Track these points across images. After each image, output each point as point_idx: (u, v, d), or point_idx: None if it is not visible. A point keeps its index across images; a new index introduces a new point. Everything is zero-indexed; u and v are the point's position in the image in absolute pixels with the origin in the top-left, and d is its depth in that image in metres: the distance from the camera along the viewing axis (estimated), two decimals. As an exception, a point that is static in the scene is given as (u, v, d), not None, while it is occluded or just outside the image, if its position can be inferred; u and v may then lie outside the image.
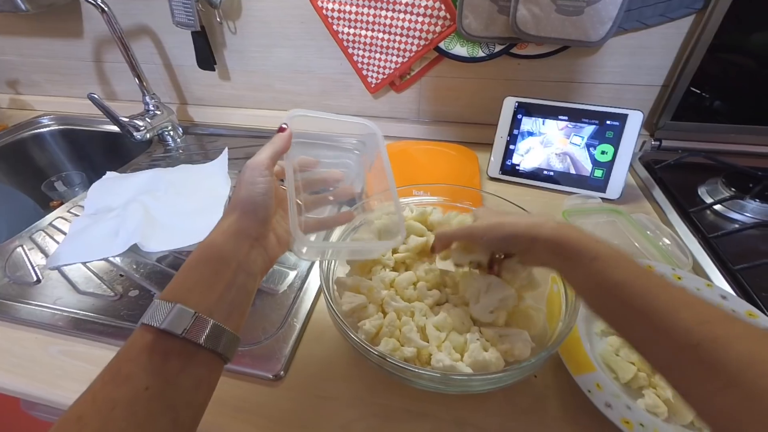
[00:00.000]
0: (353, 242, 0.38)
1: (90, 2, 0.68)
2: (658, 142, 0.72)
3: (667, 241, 0.54)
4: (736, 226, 0.56)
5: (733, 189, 0.60)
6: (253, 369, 0.40)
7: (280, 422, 0.37)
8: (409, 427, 0.36)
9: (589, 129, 0.64)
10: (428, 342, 0.38)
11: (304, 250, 0.35)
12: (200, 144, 0.87)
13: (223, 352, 0.26)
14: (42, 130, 0.95)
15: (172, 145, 0.85)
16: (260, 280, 0.31)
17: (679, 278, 0.45)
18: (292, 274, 0.51)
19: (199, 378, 0.26)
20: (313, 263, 0.52)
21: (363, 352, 0.35)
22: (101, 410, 0.22)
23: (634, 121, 0.61)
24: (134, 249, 0.56)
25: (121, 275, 0.52)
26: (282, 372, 0.40)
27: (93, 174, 0.96)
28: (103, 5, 0.68)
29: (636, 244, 0.53)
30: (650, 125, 0.74)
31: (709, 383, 0.22)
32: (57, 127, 0.96)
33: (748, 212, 0.57)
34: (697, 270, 0.50)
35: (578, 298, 0.32)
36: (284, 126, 0.34)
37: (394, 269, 0.46)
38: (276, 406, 0.38)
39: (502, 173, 0.70)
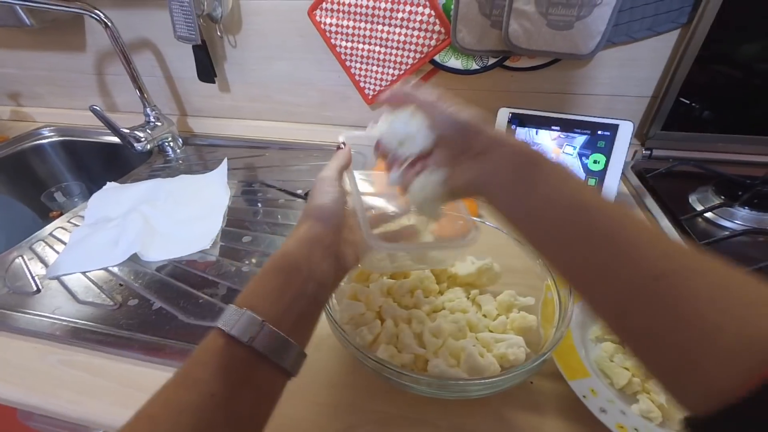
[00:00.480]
0: (426, 243, 0.36)
1: (94, 17, 0.69)
2: (648, 152, 0.74)
3: (660, 248, 0.54)
4: (726, 233, 0.57)
5: (722, 197, 0.62)
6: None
7: (279, 429, 0.37)
8: (407, 434, 0.36)
9: (581, 139, 0.65)
10: (425, 348, 0.39)
11: (376, 258, 0.36)
12: (199, 155, 0.88)
13: (286, 366, 0.26)
14: (42, 141, 0.96)
15: (172, 155, 0.86)
16: (330, 293, 0.31)
17: (671, 284, 0.46)
18: (290, 283, 0.52)
19: (262, 391, 0.26)
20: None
21: (361, 359, 0.35)
22: (171, 413, 0.23)
23: (625, 131, 0.62)
24: (134, 258, 0.56)
25: (120, 284, 0.53)
26: (280, 380, 0.40)
27: (92, 185, 0.97)
28: (106, 20, 0.70)
29: (629, 251, 0.54)
30: (641, 135, 0.75)
31: (667, 318, 0.21)
32: (57, 139, 0.97)
33: (737, 219, 0.59)
34: (689, 276, 0.51)
35: (517, 229, 0.27)
36: (342, 145, 0.36)
37: (391, 277, 0.46)
38: (275, 413, 0.38)
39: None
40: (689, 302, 0.20)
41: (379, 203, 0.39)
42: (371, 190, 0.40)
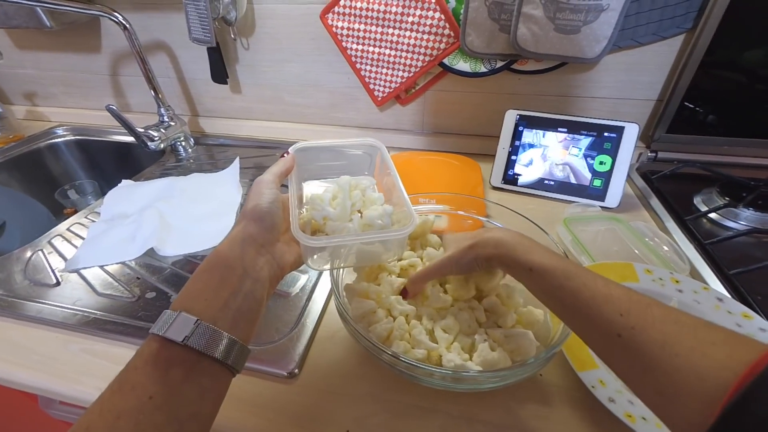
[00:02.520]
0: (364, 234, 0.35)
1: (113, 20, 0.71)
2: (654, 154, 0.75)
3: (665, 248, 0.56)
4: (731, 233, 0.58)
5: (727, 198, 0.63)
6: (268, 367, 0.41)
7: (295, 417, 0.38)
8: (420, 423, 0.37)
9: (587, 140, 0.66)
10: (437, 344, 0.40)
11: (316, 258, 0.37)
12: (210, 154, 0.89)
13: (228, 362, 0.26)
14: (57, 140, 0.98)
15: (184, 155, 0.88)
16: (271, 289, 0.31)
17: (677, 282, 0.47)
18: (303, 278, 0.53)
19: (204, 388, 0.26)
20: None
21: (376, 353, 0.36)
22: (107, 420, 0.23)
23: (631, 133, 0.63)
24: (150, 253, 0.58)
25: (138, 278, 0.54)
26: (296, 370, 0.41)
27: (105, 183, 0.99)
28: (125, 22, 0.72)
29: (635, 251, 0.55)
30: (646, 137, 0.77)
31: (635, 368, 0.25)
32: (71, 138, 0.99)
33: (741, 220, 0.60)
34: (695, 275, 0.52)
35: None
36: (285, 154, 0.39)
37: (400, 275, 0.47)
38: (291, 402, 0.39)
39: (505, 183, 0.72)
40: (649, 351, 0.24)
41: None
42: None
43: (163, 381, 0.24)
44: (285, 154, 0.39)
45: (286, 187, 0.38)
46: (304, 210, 0.40)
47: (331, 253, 0.38)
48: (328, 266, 0.41)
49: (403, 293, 0.42)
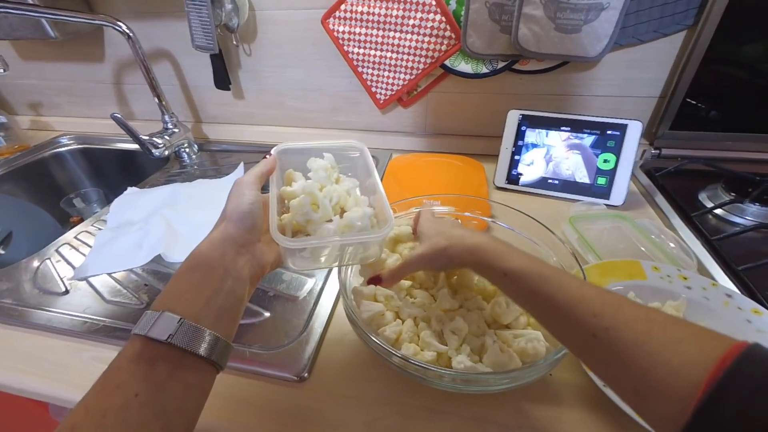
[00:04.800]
0: (342, 236, 0.35)
1: (117, 29, 0.72)
2: (657, 151, 0.75)
3: (672, 244, 0.55)
4: (737, 228, 0.58)
5: (732, 193, 0.62)
6: (277, 371, 0.42)
7: (305, 421, 0.38)
8: (432, 425, 0.37)
9: (590, 139, 0.66)
10: (447, 346, 0.40)
11: (297, 260, 0.36)
12: (214, 160, 0.90)
13: (210, 357, 0.26)
14: (61, 149, 0.99)
15: (188, 161, 0.88)
16: (251, 287, 0.32)
17: (686, 278, 0.47)
18: (310, 282, 0.53)
19: (189, 384, 0.26)
20: (329, 271, 0.54)
21: (385, 356, 0.36)
22: (93, 419, 0.23)
23: (634, 130, 0.63)
24: (157, 260, 0.58)
25: (145, 285, 0.54)
26: (305, 373, 0.41)
27: (110, 191, 0.99)
28: (128, 31, 0.72)
29: (642, 248, 0.55)
30: (650, 135, 0.77)
31: (610, 367, 0.25)
32: (76, 146, 1.00)
33: (748, 215, 0.60)
34: (702, 271, 0.52)
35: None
36: (267, 155, 0.39)
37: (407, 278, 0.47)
38: (301, 406, 0.39)
39: (508, 183, 0.72)
40: (623, 351, 0.24)
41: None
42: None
43: (149, 378, 0.24)
44: (268, 156, 0.39)
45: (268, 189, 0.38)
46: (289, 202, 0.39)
47: (311, 254, 0.38)
48: (309, 267, 0.41)
49: (375, 280, 0.40)
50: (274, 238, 0.32)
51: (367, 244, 0.37)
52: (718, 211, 0.61)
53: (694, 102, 0.70)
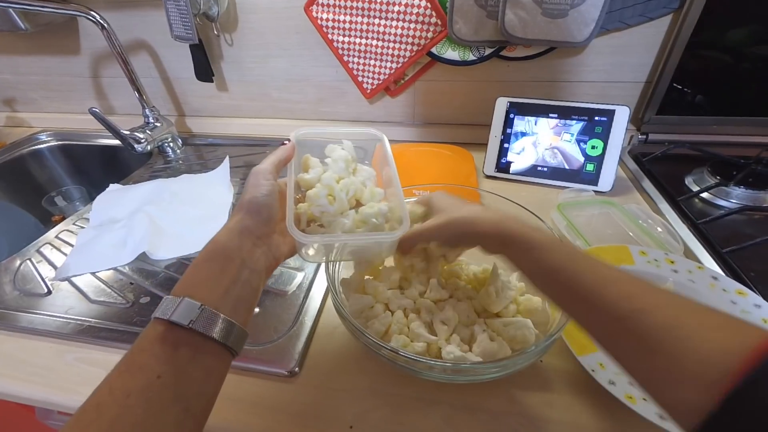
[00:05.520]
0: (356, 234, 0.36)
1: (90, 19, 0.69)
2: (644, 136, 0.75)
3: (659, 229, 0.56)
4: (723, 211, 0.59)
5: (718, 177, 0.63)
6: (268, 366, 0.41)
7: (297, 415, 0.38)
8: (422, 415, 0.37)
9: (578, 125, 0.66)
10: (436, 336, 0.40)
11: (311, 251, 0.37)
12: (199, 154, 0.88)
13: (229, 344, 0.27)
14: (40, 146, 0.96)
15: (172, 156, 0.86)
16: (265, 278, 0.33)
17: (672, 262, 0.48)
18: (299, 275, 0.52)
19: (208, 368, 0.27)
20: (318, 265, 0.53)
21: (375, 349, 0.36)
22: (118, 398, 0.23)
23: (622, 116, 0.63)
24: (142, 258, 0.57)
25: (131, 283, 0.53)
26: (296, 368, 0.41)
27: (92, 188, 0.97)
28: (102, 22, 0.70)
29: (630, 233, 0.56)
30: (637, 120, 0.77)
31: (638, 351, 0.24)
32: (55, 143, 0.97)
33: (733, 198, 0.60)
34: (689, 254, 0.52)
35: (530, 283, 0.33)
36: (286, 141, 0.38)
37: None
38: (292, 401, 0.39)
39: (498, 171, 0.72)
40: (652, 335, 0.23)
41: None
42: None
43: (171, 361, 0.25)
44: (285, 142, 0.38)
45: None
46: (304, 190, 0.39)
47: (325, 248, 0.38)
48: (321, 259, 0.41)
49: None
50: (289, 231, 0.32)
51: (380, 243, 0.37)
52: (704, 194, 0.62)
53: (680, 87, 0.71)
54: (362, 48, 0.74)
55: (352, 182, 0.38)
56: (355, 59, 0.77)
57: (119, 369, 0.25)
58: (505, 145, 0.71)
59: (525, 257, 0.31)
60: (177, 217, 0.64)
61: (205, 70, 0.82)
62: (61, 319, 0.48)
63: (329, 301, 0.49)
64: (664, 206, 0.61)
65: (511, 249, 0.32)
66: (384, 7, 0.69)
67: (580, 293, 0.27)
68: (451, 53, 0.72)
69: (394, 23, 0.70)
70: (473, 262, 0.50)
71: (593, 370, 0.36)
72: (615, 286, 0.26)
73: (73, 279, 0.54)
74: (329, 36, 0.75)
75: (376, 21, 0.71)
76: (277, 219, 0.34)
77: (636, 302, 0.25)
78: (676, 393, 0.22)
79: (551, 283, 0.30)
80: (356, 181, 0.39)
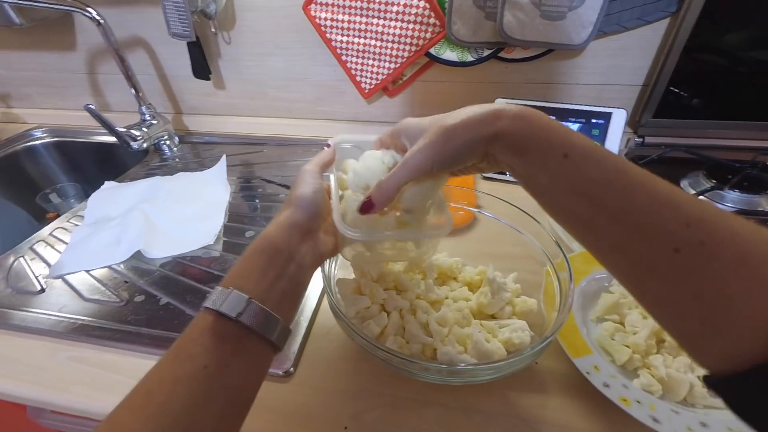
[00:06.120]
0: (400, 231, 0.35)
1: (86, 15, 0.68)
2: (641, 139, 0.76)
3: (654, 232, 0.56)
4: (718, 215, 0.59)
5: (713, 181, 0.63)
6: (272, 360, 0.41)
7: (293, 416, 0.38)
8: (417, 415, 0.37)
9: (575, 127, 0.67)
10: (432, 338, 0.40)
11: (349, 252, 0.37)
12: (196, 152, 0.87)
13: (272, 339, 0.28)
14: (35, 142, 0.95)
15: (169, 154, 0.86)
16: (311, 274, 0.33)
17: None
18: (295, 275, 0.52)
19: (251, 362, 0.27)
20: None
21: (370, 350, 0.36)
22: (166, 385, 0.24)
23: (619, 118, 0.64)
24: (136, 256, 0.56)
25: (125, 282, 0.53)
26: (292, 368, 0.41)
27: (88, 185, 0.96)
28: (99, 18, 0.69)
29: (625, 236, 0.56)
30: (633, 123, 0.77)
31: (685, 290, 0.20)
32: (50, 140, 0.96)
33: (728, 202, 0.61)
34: (683, 257, 0.52)
35: (540, 202, 0.27)
36: (325, 147, 0.39)
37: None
38: (288, 401, 0.39)
39: (495, 172, 0.72)
40: (715, 272, 0.19)
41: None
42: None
43: (217, 353, 0.26)
44: (326, 147, 0.39)
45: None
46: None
47: (368, 247, 0.38)
48: (365, 257, 0.40)
49: (366, 207, 0.31)
50: (336, 224, 0.33)
51: (420, 241, 0.38)
52: (699, 198, 0.62)
53: (677, 90, 0.71)
54: (360, 48, 0.74)
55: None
56: (354, 59, 0.77)
57: (169, 356, 0.26)
58: (503, 147, 0.71)
59: (553, 167, 0.24)
60: (172, 215, 0.64)
61: (202, 67, 0.82)
62: (54, 318, 0.47)
63: (325, 301, 0.49)
64: (660, 209, 0.61)
65: (536, 154, 0.25)
66: (383, 7, 0.68)
67: (629, 213, 0.22)
68: (450, 54, 0.72)
69: (393, 23, 0.70)
70: (469, 263, 0.50)
71: (588, 373, 0.37)
72: (674, 207, 0.21)
73: (67, 277, 0.54)
74: (327, 35, 0.75)
75: (375, 21, 0.70)
76: (324, 215, 0.34)
77: (701, 232, 0.20)
78: (724, 337, 0.19)
79: (588, 201, 0.23)
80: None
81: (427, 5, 0.67)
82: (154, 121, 0.81)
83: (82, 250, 0.58)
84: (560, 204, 0.25)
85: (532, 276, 0.45)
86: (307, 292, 0.49)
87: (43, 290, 0.52)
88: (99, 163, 0.97)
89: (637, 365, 0.39)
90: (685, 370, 0.38)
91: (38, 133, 0.96)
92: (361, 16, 0.71)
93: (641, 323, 0.42)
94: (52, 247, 0.60)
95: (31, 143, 0.95)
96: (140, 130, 0.78)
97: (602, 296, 0.45)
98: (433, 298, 0.44)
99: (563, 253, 0.41)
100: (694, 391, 0.36)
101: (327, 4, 0.71)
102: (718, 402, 0.36)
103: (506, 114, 0.25)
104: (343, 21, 0.72)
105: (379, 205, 0.31)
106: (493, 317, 0.44)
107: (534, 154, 0.25)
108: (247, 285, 0.28)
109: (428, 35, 0.70)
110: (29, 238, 0.61)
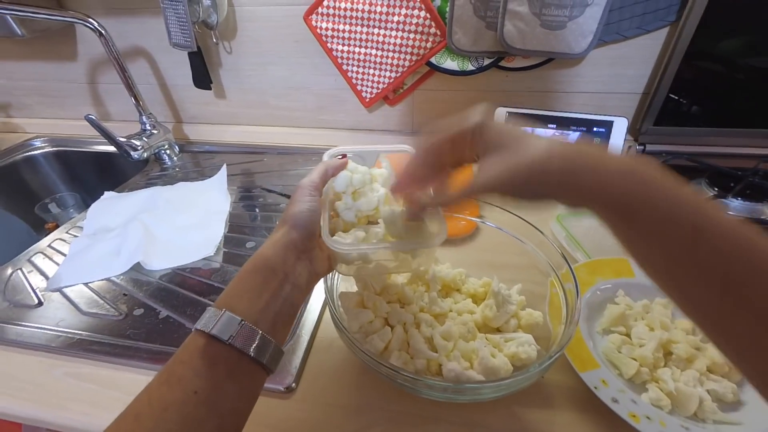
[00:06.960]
0: (390, 242, 0.35)
1: (88, 26, 0.69)
2: (642, 147, 0.75)
3: (658, 241, 0.56)
4: (721, 224, 0.58)
5: (716, 189, 0.63)
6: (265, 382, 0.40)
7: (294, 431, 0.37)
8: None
9: (576, 136, 0.66)
10: (437, 352, 0.39)
11: (348, 262, 0.37)
12: (196, 162, 0.87)
13: (265, 362, 0.27)
14: (34, 152, 0.95)
15: (169, 163, 0.85)
16: (306, 295, 0.32)
17: (672, 275, 0.47)
18: (297, 287, 0.52)
19: (243, 385, 0.27)
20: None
21: (374, 367, 0.35)
22: (156, 410, 0.24)
23: (620, 127, 0.64)
24: (136, 267, 0.56)
25: (124, 294, 0.52)
26: (293, 384, 0.40)
27: (87, 195, 0.96)
28: (100, 29, 0.69)
29: (629, 245, 0.55)
30: (634, 131, 0.77)
31: None
32: (49, 149, 0.96)
33: (731, 210, 0.60)
34: (688, 267, 0.52)
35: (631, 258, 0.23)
36: (332, 158, 0.39)
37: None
38: (289, 417, 0.38)
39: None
40: None
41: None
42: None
43: (208, 377, 0.25)
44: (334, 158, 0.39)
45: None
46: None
47: (360, 258, 0.38)
48: (359, 271, 0.41)
49: (413, 212, 0.33)
50: (324, 240, 0.33)
51: (416, 251, 0.37)
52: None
53: (677, 98, 0.71)
54: (361, 57, 0.74)
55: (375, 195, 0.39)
56: (355, 68, 0.77)
57: (159, 379, 0.25)
58: (504, 155, 0.71)
59: (676, 241, 0.20)
60: (171, 225, 0.63)
61: (203, 77, 0.82)
62: (52, 332, 0.47)
63: (327, 315, 0.48)
64: (663, 218, 0.60)
65: (645, 222, 0.21)
66: (383, 17, 0.69)
67: (734, 282, 0.19)
68: (450, 63, 0.73)
69: (394, 33, 0.70)
70: (472, 274, 0.49)
71: (596, 387, 0.36)
72: None
73: (65, 289, 0.53)
74: (328, 45, 0.75)
75: (376, 30, 0.71)
76: (319, 233, 0.34)
77: None
78: None
79: (683, 269, 0.20)
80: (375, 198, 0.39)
81: (428, 15, 0.67)
82: (154, 131, 0.81)
83: (81, 261, 0.57)
84: (679, 274, 0.21)
85: (537, 287, 0.45)
86: (308, 304, 0.49)
87: (40, 304, 0.51)
88: (99, 173, 0.97)
89: (645, 379, 0.39)
90: (694, 384, 0.37)
91: (38, 143, 0.95)
92: (362, 26, 0.71)
93: (648, 335, 0.41)
94: (51, 259, 0.59)
95: (30, 153, 0.94)
96: (141, 139, 0.77)
97: (608, 307, 0.45)
98: (437, 311, 0.43)
99: (568, 264, 0.40)
100: (704, 405, 0.35)
101: (328, 15, 0.71)
102: (729, 417, 0.35)
103: (608, 165, 0.21)
104: (344, 31, 0.72)
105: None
106: (498, 330, 0.43)
107: (635, 224, 0.21)
108: (240, 306, 0.27)
109: (429, 45, 0.70)
110: (27, 250, 0.61)
